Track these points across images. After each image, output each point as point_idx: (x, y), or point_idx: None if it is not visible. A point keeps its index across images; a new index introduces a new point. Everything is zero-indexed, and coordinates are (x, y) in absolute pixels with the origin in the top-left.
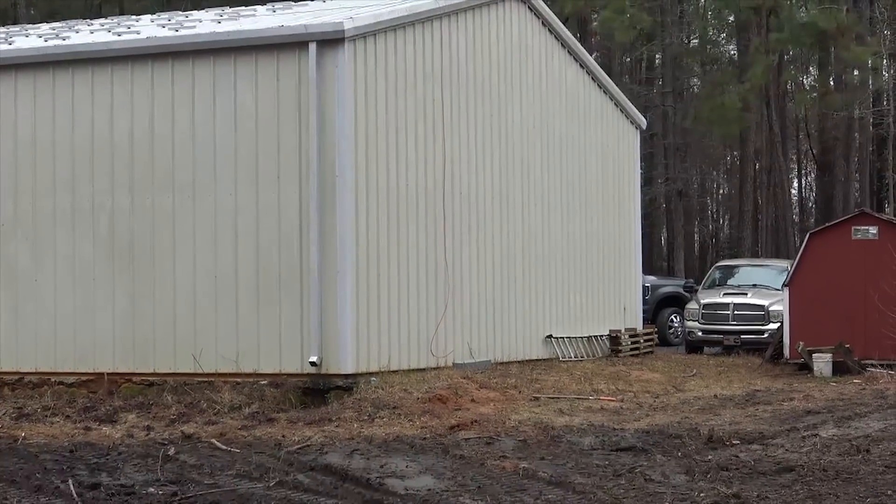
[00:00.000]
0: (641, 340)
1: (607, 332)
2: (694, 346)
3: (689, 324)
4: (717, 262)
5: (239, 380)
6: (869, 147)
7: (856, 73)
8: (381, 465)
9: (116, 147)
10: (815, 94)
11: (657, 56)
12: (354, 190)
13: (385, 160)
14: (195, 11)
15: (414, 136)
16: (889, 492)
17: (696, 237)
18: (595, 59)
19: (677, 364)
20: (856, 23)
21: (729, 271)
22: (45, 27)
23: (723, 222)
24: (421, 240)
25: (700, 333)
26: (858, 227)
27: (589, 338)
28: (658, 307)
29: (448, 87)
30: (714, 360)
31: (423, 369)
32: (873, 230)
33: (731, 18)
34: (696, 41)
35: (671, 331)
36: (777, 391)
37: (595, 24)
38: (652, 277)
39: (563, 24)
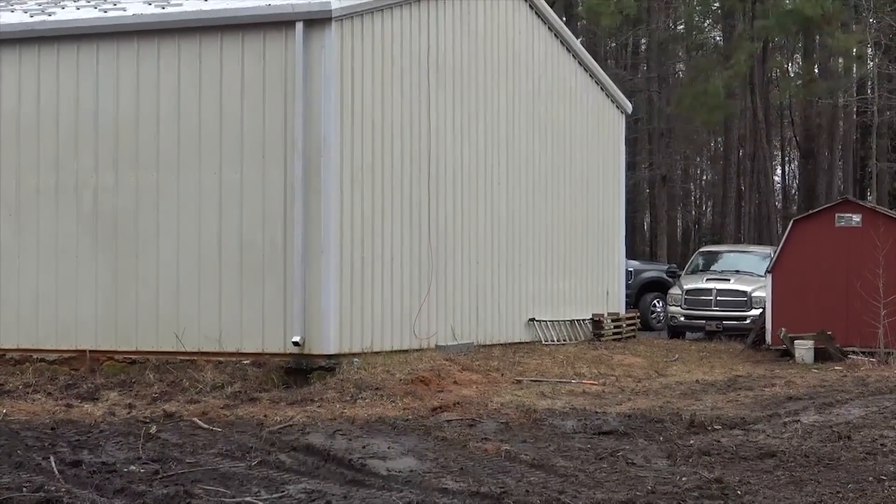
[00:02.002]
0: (624, 325)
1: (590, 316)
2: (676, 332)
3: (672, 309)
4: (700, 248)
5: (221, 359)
6: (853, 135)
7: (840, 60)
8: (363, 446)
9: (101, 124)
10: (799, 82)
11: (643, 41)
12: (339, 170)
13: (371, 141)
14: None
15: (400, 118)
16: (870, 478)
17: (679, 223)
18: (581, 44)
19: (659, 349)
20: (841, 10)
21: (712, 257)
22: (30, 2)
23: (706, 208)
24: (405, 221)
25: (682, 319)
26: (842, 215)
27: (572, 321)
28: (641, 292)
29: (435, 68)
30: (696, 346)
31: (406, 351)
32: (856, 218)
33: (717, 5)
34: (682, 27)
35: (653, 316)
36: (759, 377)
37: (581, 8)
38: (635, 262)
39: (550, 7)
